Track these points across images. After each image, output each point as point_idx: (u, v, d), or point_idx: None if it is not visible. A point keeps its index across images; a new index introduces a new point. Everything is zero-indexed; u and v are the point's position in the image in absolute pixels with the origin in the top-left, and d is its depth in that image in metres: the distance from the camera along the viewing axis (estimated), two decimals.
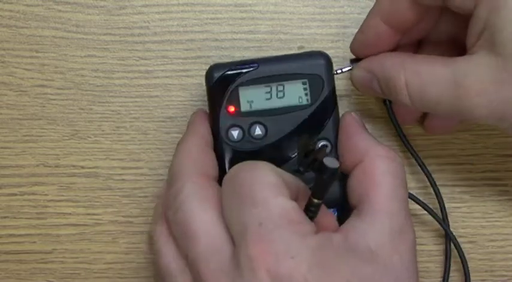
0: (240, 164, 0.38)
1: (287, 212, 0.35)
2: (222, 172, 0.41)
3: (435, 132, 0.46)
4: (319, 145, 0.42)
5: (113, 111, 0.47)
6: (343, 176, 0.40)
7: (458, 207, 0.47)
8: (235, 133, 0.42)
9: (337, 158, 0.41)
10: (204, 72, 0.44)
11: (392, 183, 0.38)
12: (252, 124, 0.42)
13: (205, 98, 0.46)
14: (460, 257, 0.44)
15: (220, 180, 0.39)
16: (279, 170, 0.38)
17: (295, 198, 0.37)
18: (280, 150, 0.42)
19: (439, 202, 0.44)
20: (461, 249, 0.44)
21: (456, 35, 0.42)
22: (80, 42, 0.47)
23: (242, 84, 0.42)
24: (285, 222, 0.35)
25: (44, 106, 0.48)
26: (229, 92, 0.42)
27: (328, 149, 0.42)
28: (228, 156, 0.42)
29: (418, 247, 0.45)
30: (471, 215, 0.47)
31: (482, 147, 0.47)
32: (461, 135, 0.47)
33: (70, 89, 0.47)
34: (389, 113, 0.44)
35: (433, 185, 0.44)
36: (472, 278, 0.46)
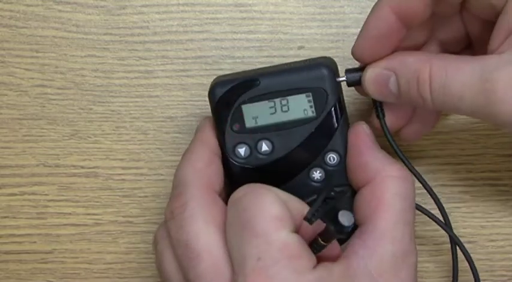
0: (247, 187, 0.37)
1: (287, 247, 0.35)
2: (231, 190, 0.40)
3: (408, 140, 0.45)
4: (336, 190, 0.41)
5: (113, 111, 0.47)
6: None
7: (458, 207, 0.47)
8: (242, 150, 0.41)
9: (345, 170, 0.41)
10: (204, 72, 0.44)
11: (400, 207, 0.37)
12: (258, 140, 0.41)
13: (206, 98, 0.47)
14: (468, 260, 0.43)
15: (227, 196, 0.39)
16: (285, 196, 0.37)
17: (299, 225, 0.37)
18: (289, 164, 0.41)
19: (440, 209, 0.43)
20: (467, 252, 0.43)
21: (463, 35, 0.41)
22: (80, 42, 0.47)
23: (245, 102, 0.41)
24: (284, 257, 0.34)
25: (44, 106, 0.48)
26: (233, 110, 0.41)
27: (336, 161, 0.41)
28: (236, 173, 0.41)
29: (419, 247, 0.46)
30: (471, 215, 0.47)
31: (483, 147, 0.47)
32: (461, 135, 0.47)
33: (70, 89, 0.48)
34: (383, 126, 0.42)
35: (432, 194, 0.43)
36: (472, 277, 0.46)
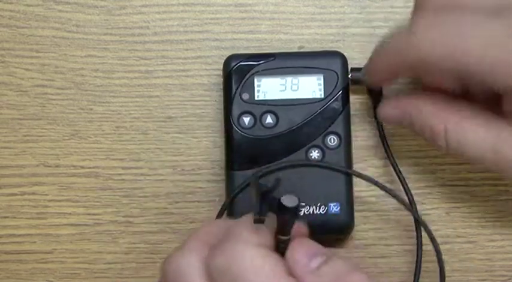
0: (226, 249, 0.36)
1: None
2: (231, 159, 0.43)
3: None
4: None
5: (113, 111, 0.47)
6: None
7: (458, 207, 0.47)
8: (246, 120, 0.43)
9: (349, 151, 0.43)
10: (204, 72, 0.44)
11: None
12: (264, 113, 0.43)
13: (206, 98, 0.47)
14: (433, 244, 0.43)
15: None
16: (258, 228, 0.36)
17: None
18: (290, 140, 0.43)
19: (406, 192, 0.45)
20: (433, 236, 0.43)
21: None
22: (80, 42, 0.47)
23: (258, 73, 0.43)
24: None
25: (44, 106, 0.48)
26: (245, 80, 0.43)
27: (336, 143, 0.43)
28: (237, 142, 0.43)
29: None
30: (471, 215, 0.47)
31: None
32: None
33: (70, 89, 0.48)
34: (380, 132, 0.45)
35: (399, 173, 0.45)
36: (472, 278, 0.46)
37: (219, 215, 0.44)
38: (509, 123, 0.39)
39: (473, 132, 0.39)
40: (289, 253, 0.36)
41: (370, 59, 0.42)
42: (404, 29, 0.38)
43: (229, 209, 0.44)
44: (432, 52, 0.37)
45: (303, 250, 0.36)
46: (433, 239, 0.43)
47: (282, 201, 0.34)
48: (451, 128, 0.40)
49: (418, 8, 0.39)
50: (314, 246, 0.36)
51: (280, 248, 0.36)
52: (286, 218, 0.35)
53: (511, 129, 0.39)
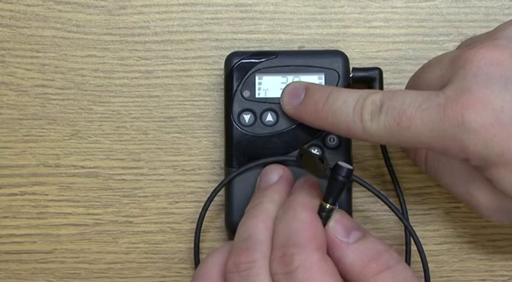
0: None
1: None
2: (230, 156, 0.43)
3: None
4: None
5: (113, 111, 0.48)
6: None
7: (458, 207, 0.47)
8: (247, 117, 0.43)
9: (348, 151, 0.43)
10: (204, 72, 0.44)
11: None
12: (264, 110, 0.43)
13: (206, 98, 0.47)
14: (420, 252, 0.43)
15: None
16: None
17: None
18: (289, 139, 0.43)
19: (400, 201, 0.45)
20: (420, 244, 0.43)
21: None
22: (80, 42, 0.47)
23: (259, 71, 0.43)
24: None
25: (44, 106, 0.48)
26: (246, 78, 0.43)
27: (336, 143, 0.43)
28: (237, 139, 0.43)
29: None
30: (471, 215, 0.47)
31: None
32: None
33: (70, 89, 0.48)
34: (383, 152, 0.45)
35: (395, 182, 0.45)
36: (472, 278, 0.46)
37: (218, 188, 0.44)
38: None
39: (450, 166, 0.40)
40: (331, 223, 0.38)
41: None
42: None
43: (227, 200, 0.44)
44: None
45: (344, 222, 0.38)
46: (420, 249, 0.42)
47: (339, 163, 0.37)
48: (431, 157, 0.42)
49: None
50: (354, 222, 0.39)
51: (321, 217, 0.38)
52: (339, 179, 0.37)
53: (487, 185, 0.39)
